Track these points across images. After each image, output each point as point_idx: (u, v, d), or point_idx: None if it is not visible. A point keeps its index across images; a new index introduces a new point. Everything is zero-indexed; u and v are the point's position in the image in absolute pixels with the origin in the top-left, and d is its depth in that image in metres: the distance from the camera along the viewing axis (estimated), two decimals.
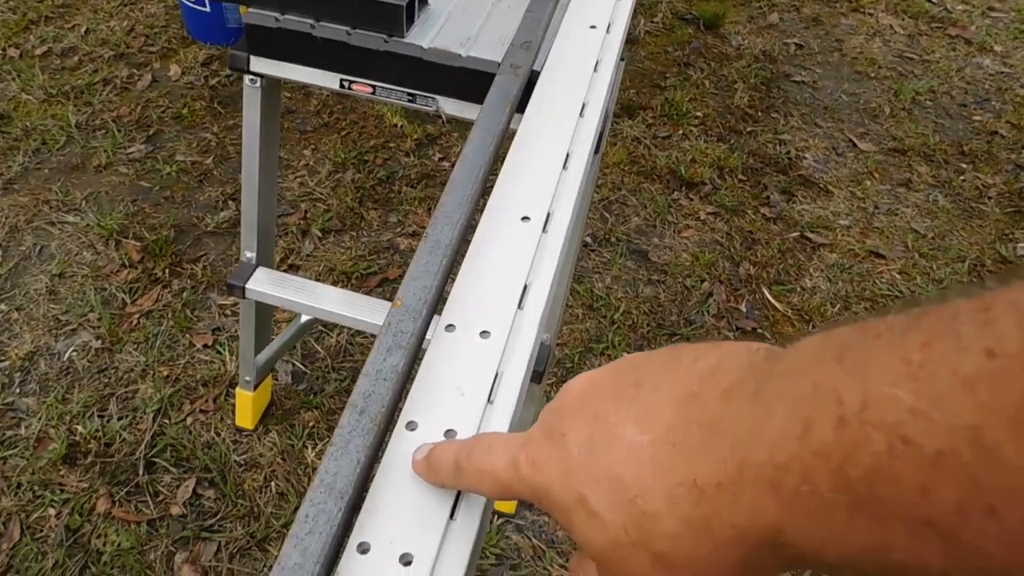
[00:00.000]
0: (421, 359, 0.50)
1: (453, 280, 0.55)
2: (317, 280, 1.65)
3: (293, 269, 1.68)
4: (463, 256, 0.57)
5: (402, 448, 0.45)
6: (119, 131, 2.01)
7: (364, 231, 1.78)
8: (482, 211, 0.60)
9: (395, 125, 2.05)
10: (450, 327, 0.51)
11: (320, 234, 1.76)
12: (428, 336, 0.52)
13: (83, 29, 2.38)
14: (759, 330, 1.64)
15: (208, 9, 2.23)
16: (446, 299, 0.53)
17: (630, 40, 2.45)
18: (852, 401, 0.21)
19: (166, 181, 1.89)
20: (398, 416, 0.48)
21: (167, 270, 1.66)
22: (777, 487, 0.23)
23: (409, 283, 0.54)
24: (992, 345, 0.18)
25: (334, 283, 1.65)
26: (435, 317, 0.53)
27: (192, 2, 2.23)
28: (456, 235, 0.58)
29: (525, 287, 0.53)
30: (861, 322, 0.23)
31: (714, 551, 0.26)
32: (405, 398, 0.48)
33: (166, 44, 2.33)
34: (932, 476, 0.19)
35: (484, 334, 0.51)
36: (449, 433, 0.46)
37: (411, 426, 0.46)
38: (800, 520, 0.23)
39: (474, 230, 0.59)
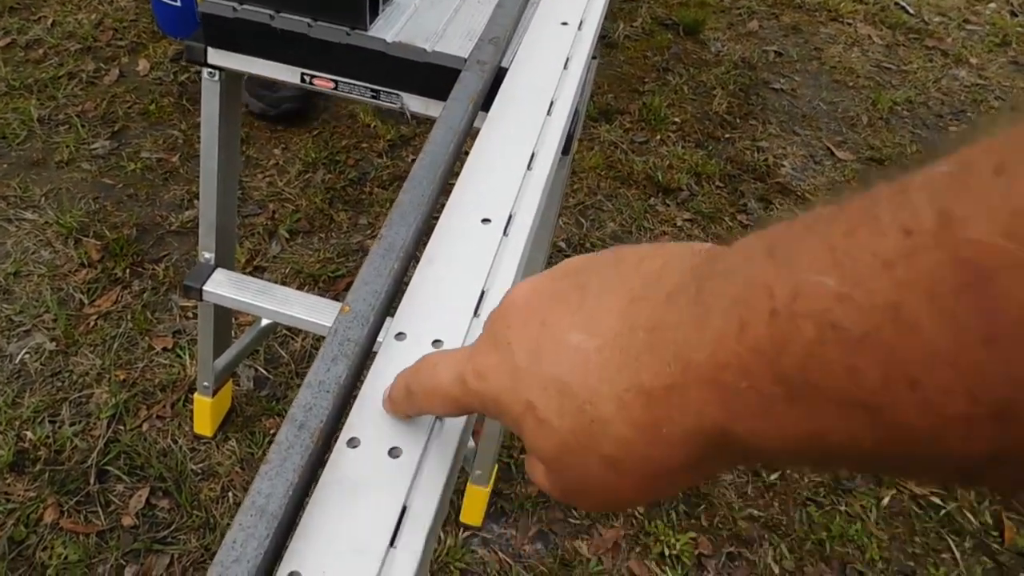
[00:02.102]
0: (369, 369, 0.47)
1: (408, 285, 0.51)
2: (284, 282, 1.60)
3: (259, 271, 1.63)
4: (419, 259, 0.54)
5: (342, 467, 0.41)
6: (83, 126, 1.95)
7: (333, 233, 1.73)
8: (441, 212, 0.57)
9: (368, 125, 2.01)
10: (400, 335, 0.48)
11: (288, 235, 1.71)
12: (380, 343, 0.48)
13: (49, 21, 2.31)
14: None
15: (179, 3, 2.18)
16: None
17: (609, 44, 2.43)
18: (782, 293, 0.21)
19: (130, 178, 1.83)
20: (340, 431, 0.44)
21: (128, 270, 1.61)
22: (719, 386, 0.23)
23: (359, 287, 0.51)
24: (908, 224, 0.19)
25: (301, 286, 1.61)
26: (389, 320, 0.50)
27: None
28: (411, 236, 0.54)
29: (482, 293, 0.50)
30: (791, 217, 0.23)
31: (663, 452, 0.26)
32: (349, 412, 0.45)
33: (135, 38, 2.27)
34: (859, 357, 0.20)
35: (436, 343, 0.47)
36: (394, 451, 0.42)
37: (353, 443, 0.43)
38: (742, 416, 0.23)
39: (432, 232, 0.55)
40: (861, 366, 0.20)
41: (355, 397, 0.45)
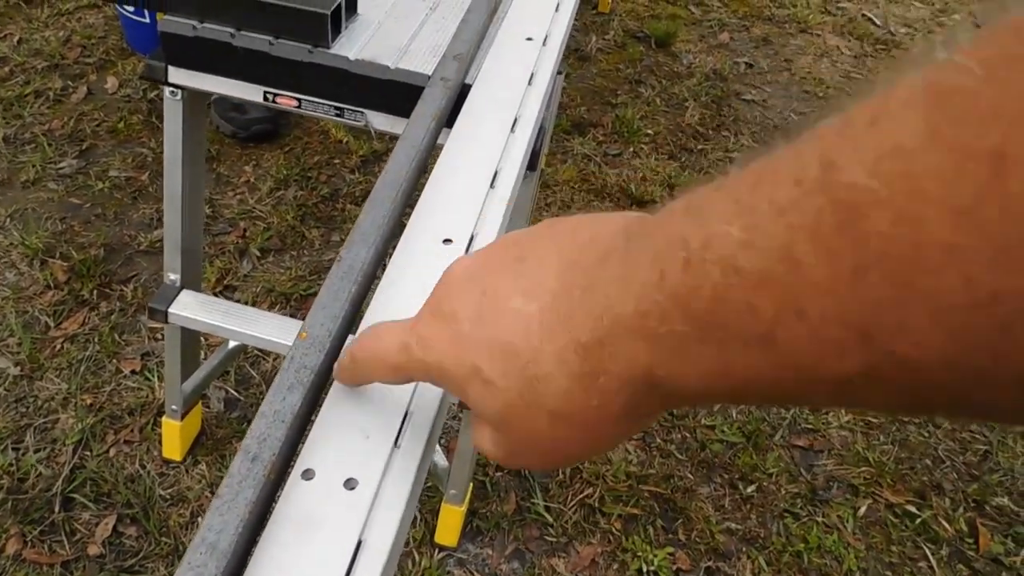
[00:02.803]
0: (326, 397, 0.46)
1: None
2: (255, 301, 1.58)
3: (230, 290, 1.61)
4: (380, 281, 0.53)
5: (296, 500, 0.40)
6: (50, 145, 1.91)
7: (305, 250, 1.71)
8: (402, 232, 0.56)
9: (340, 140, 2.00)
10: None
11: (259, 253, 1.69)
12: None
13: (16, 39, 2.28)
14: None
15: (148, 20, 2.15)
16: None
17: (582, 57, 2.43)
18: (695, 244, 0.24)
19: (98, 198, 1.80)
20: (295, 462, 0.43)
21: (95, 291, 1.58)
22: (644, 333, 0.25)
23: (316, 312, 0.49)
24: (799, 174, 0.21)
25: (272, 304, 1.59)
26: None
27: (131, 13, 2.15)
28: (371, 258, 0.53)
29: None
30: (709, 179, 0.25)
31: (602, 401, 0.28)
32: (304, 441, 0.44)
33: (104, 56, 2.24)
34: (756, 295, 0.22)
35: None
36: (350, 482, 0.41)
37: (307, 475, 0.41)
38: (664, 358, 0.25)
39: (393, 253, 0.54)
40: (758, 303, 0.22)
41: (311, 426, 0.44)
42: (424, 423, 0.44)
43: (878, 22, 2.82)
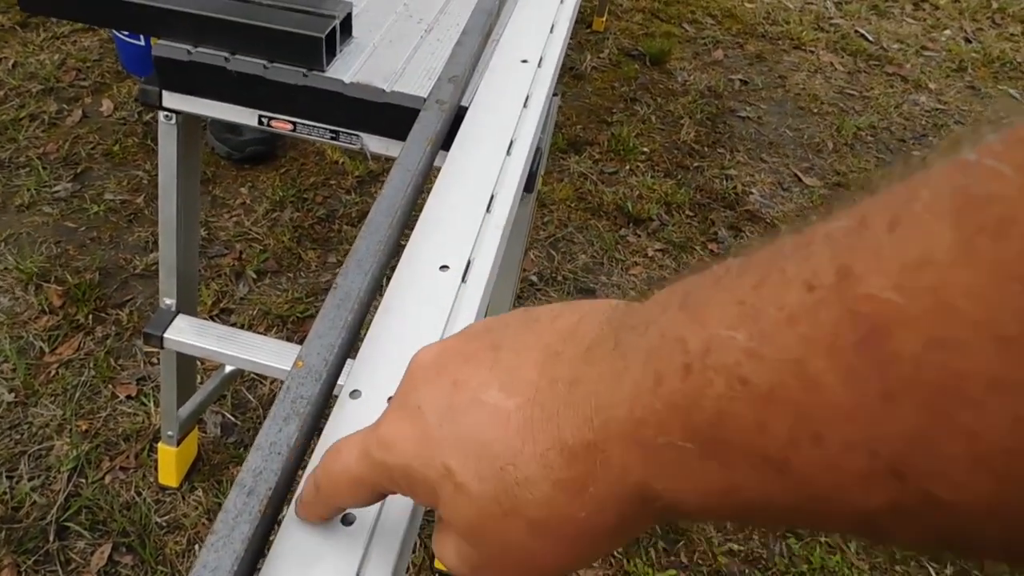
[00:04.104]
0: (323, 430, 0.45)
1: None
2: (251, 324, 1.57)
3: (226, 313, 1.60)
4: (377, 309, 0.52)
5: (292, 535, 0.39)
6: (44, 169, 1.91)
7: (302, 272, 1.71)
8: (399, 258, 0.55)
9: (336, 161, 2.00)
10: (355, 393, 0.46)
11: (255, 276, 1.68)
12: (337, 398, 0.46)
13: (11, 62, 2.28)
14: None
15: (143, 43, 2.16)
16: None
17: (577, 76, 2.44)
18: (695, 347, 0.21)
19: (93, 221, 1.79)
20: (291, 496, 0.42)
21: (90, 316, 1.57)
22: (639, 442, 0.23)
23: (313, 340, 0.49)
24: (811, 279, 0.19)
25: (269, 327, 1.57)
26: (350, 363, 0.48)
27: (126, 35, 2.15)
28: (367, 285, 0.53)
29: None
30: (703, 268, 0.23)
31: (592, 512, 0.25)
32: (302, 474, 0.43)
33: (99, 78, 2.25)
34: (767, 412, 0.19)
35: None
36: (346, 517, 0.40)
37: None
38: (661, 472, 0.23)
39: (390, 280, 0.53)
40: (769, 421, 0.20)
41: (308, 459, 0.43)
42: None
43: (870, 38, 2.84)
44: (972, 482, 0.17)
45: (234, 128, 1.92)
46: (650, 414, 0.22)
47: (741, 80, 2.53)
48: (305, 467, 0.43)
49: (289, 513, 0.40)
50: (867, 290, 0.18)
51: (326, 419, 0.45)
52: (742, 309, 0.20)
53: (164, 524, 1.25)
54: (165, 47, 0.82)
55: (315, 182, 1.94)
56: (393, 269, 0.54)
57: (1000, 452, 0.16)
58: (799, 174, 2.17)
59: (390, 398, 0.45)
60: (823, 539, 1.34)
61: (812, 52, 2.71)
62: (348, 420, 0.43)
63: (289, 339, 1.54)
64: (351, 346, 0.50)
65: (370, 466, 0.30)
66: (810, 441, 0.19)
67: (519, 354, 0.27)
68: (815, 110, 2.43)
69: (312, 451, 0.43)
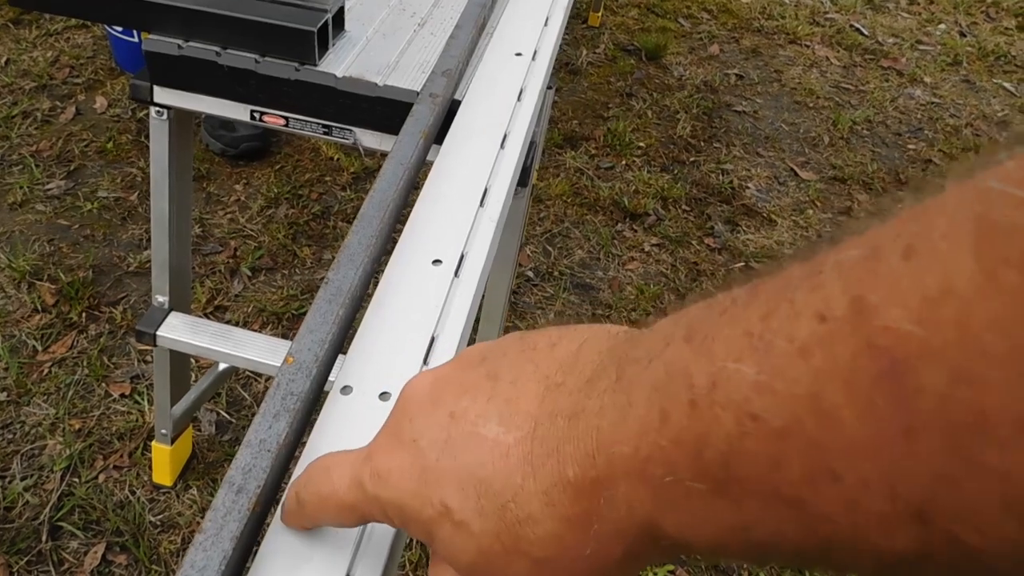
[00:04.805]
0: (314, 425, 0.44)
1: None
2: (246, 322, 1.56)
3: (221, 310, 1.59)
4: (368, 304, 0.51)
5: (281, 533, 0.39)
6: (37, 166, 1.90)
7: (297, 269, 1.70)
8: (391, 252, 0.54)
9: (331, 158, 1.99)
10: (346, 389, 0.45)
11: (250, 273, 1.67)
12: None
13: (3, 59, 2.26)
14: None
15: (136, 39, 2.15)
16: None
17: (573, 70, 2.44)
18: (701, 382, 0.21)
19: (86, 219, 1.78)
20: (281, 494, 0.41)
21: (83, 314, 1.56)
22: (646, 479, 0.22)
23: (304, 336, 0.48)
24: (822, 309, 0.18)
25: (264, 325, 1.57)
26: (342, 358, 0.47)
27: (120, 32, 2.14)
28: (359, 280, 0.52)
29: (432, 340, 0.47)
30: (709, 298, 0.23)
31: (597, 549, 0.24)
32: (291, 472, 0.42)
33: (92, 75, 2.23)
34: (780, 449, 0.19)
35: (384, 396, 0.44)
36: None
37: None
38: (670, 510, 0.22)
39: (382, 275, 0.53)
40: (782, 458, 0.19)
41: (298, 456, 0.42)
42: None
43: (866, 32, 2.83)
44: (1001, 526, 0.16)
45: (228, 124, 1.91)
46: (656, 452, 0.22)
47: (737, 75, 2.52)
48: (296, 463, 0.42)
49: (276, 515, 0.40)
50: (885, 322, 0.17)
51: (317, 414, 0.44)
52: (750, 341, 0.20)
53: (158, 523, 1.24)
54: (156, 42, 0.81)
55: (310, 179, 1.93)
56: (385, 263, 0.54)
57: None
58: (795, 168, 2.17)
59: (382, 394, 0.45)
60: None
61: (808, 46, 2.71)
62: (339, 416, 0.43)
63: (284, 336, 1.53)
64: (342, 341, 0.49)
65: (361, 497, 0.29)
66: (827, 479, 0.18)
67: (517, 385, 0.27)
68: (811, 104, 2.42)
69: (303, 447, 0.43)
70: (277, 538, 0.38)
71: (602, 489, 0.23)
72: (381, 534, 0.38)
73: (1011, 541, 0.16)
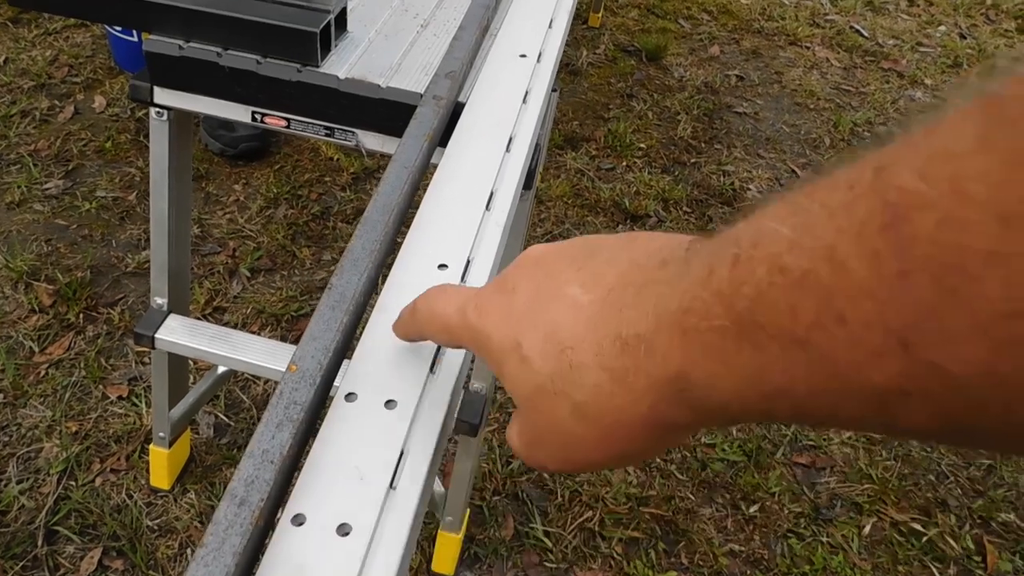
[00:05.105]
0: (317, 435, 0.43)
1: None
2: (245, 323, 1.55)
3: (219, 311, 1.58)
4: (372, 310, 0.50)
5: (286, 547, 0.38)
6: (35, 166, 1.89)
7: (296, 270, 1.69)
8: (395, 257, 0.53)
9: (331, 158, 1.98)
10: (351, 396, 0.44)
11: (249, 274, 1.66)
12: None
13: (2, 58, 2.25)
14: None
15: (136, 38, 2.13)
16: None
17: (573, 72, 2.43)
18: (745, 241, 0.24)
19: (84, 219, 1.77)
20: (285, 506, 0.40)
21: (81, 315, 1.55)
22: (682, 329, 0.25)
23: (307, 343, 0.47)
24: (852, 178, 0.21)
25: (263, 326, 1.56)
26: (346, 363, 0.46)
27: (119, 31, 2.13)
28: (363, 286, 0.51)
29: (438, 347, 0.46)
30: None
31: (628, 400, 0.28)
32: (295, 483, 0.41)
33: (91, 74, 2.22)
34: (798, 296, 0.21)
35: (390, 404, 0.44)
36: (343, 527, 0.38)
37: (298, 520, 0.39)
38: (699, 358, 0.25)
39: (386, 280, 0.52)
40: (799, 304, 0.21)
41: (302, 466, 0.41)
42: (421, 461, 0.41)
43: (866, 34, 2.83)
44: (971, 351, 0.18)
45: (227, 124, 1.90)
46: (697, 303, 0.25)
47: (737, 76, 2.51)
48: (298, 474, 0.41)
49: (281, 523, 0.39)
50: (896, 181, 0.19)
51: (321, 422, 0.43)
52: (791, 207, 0.23)
53: (156, 527, 1.23)
54: (156, 42, 0.80)
55: (310, 179, 1.92)
56: (389, 268, 0.53)
57: (995, 318, 0.17)
58: (796, 170, 2.16)
59: (387, 401, 0.44)
60: (824, 539, 1.33)
61: (808, 48, 2.70)
62: (344, 424, 0.42)
63: (283, 338, 1.52)
64: (346, 348, 0.48)
65: (461, 321, 0.35)
66: (835, 321, 0.21)
67: (608, 263, 0.31)
68: (811, 106, 2.42)
69: (306, 457, 0.42)
70: (282, 550, 0.37)
71: (644, 343, 0.27)
72: (389, 542, 0.37)
73: (981, 363, 0.18)
